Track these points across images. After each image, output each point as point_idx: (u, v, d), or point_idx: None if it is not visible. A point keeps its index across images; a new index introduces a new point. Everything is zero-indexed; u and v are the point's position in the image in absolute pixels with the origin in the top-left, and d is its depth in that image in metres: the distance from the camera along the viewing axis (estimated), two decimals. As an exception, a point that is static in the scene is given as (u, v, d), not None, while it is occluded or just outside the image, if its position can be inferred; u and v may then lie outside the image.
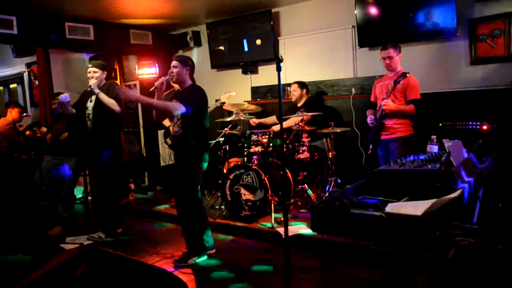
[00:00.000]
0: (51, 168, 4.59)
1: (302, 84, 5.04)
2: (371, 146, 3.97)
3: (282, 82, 2.57)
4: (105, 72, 4.26)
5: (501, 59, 4.17)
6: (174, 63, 3.50)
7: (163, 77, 3.50)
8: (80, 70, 6.32)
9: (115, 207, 4.28)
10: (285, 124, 4.81)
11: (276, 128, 4.78)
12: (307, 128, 4.59)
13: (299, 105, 5.01)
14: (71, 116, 4.30)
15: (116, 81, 4.48)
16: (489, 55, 4.23)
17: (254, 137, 4.65)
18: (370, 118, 4.00)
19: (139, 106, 6.74)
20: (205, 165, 3.57)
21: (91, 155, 4.31)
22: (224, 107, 5.14)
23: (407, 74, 3.67)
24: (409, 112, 3.73)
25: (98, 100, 4.09)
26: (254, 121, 5.24)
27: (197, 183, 3.55)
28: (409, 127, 3.84)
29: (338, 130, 4.48)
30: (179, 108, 3.33)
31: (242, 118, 4.82)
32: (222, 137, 4.97)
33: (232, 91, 5.09)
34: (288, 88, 5.71)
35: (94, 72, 4.16)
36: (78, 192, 5.23)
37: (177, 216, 3.78)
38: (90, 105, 4.17)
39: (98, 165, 4.16)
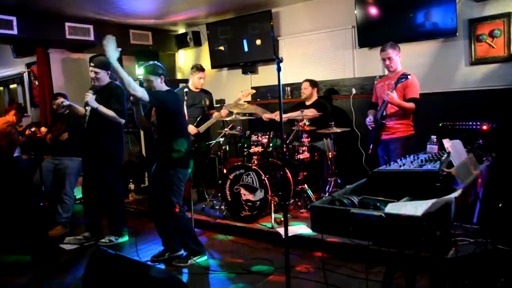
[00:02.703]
0: (51, 168, 4.59)
1: (313, 83, 5.01)
2: (371, 145, 3.98)
3: (282, 82, 2.57)
4: (108, 72, 3.99)
5: (501, 59, 4.18)
6: (146, 77, 3.38)
7: None
8: (80, 70, 6.32)
9: (119, 209, 4.21)
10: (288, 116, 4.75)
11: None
12: (307, 128, 4.59)
13: (307, 103, 4.99)
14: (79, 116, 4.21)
15: (118, 84, 4.18)
16: (489, 55, 4.24)
17: (254, 137, 4.65)
18: (369, 119, 4.00)
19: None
20: (185, 172, 3.48)
21: (86, 160, 4.18)
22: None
23: (409, 76, 3.66)
24: (409, 109, 3.73)
25: (93, 111, 3.89)
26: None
27: (175, 193, 3.43)
28: (409, 127, 3.85)
29: (338, 130, 4.48)
30: (140, 90, 3.16)
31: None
32: (222, 137, 4.97)
33: (248, 89, 5.06)
34: (288, 88, 5.72)
35: (96, 72, 3.91)
36: (78, 193, 5.23)
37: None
38: (88, 109, 4.01)
39: (95, 172, 4.05)
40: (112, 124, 3.97)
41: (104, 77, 3.99)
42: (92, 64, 3.94)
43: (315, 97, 5.01)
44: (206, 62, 6.46)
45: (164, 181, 3.42)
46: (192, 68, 5.06)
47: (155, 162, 3.57)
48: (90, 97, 3.88)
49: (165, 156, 3.43)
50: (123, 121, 3.99)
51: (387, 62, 3.85)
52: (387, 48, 3.83)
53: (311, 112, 4.65)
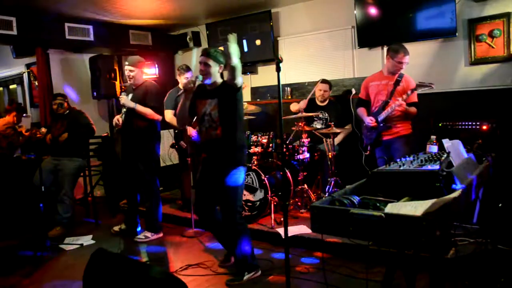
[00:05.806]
0: (51, 169, 4.59)
1: (331, 84, 4.96)
2: (369, 147, 3.98)
3: (282, 82, 2.57)
4: (143, 70, 4.13)
5: (500, 59, 4.18)
6: (205, 59, 3.09)
7: (191, 78, 3.27)
8: (79, 71, 6.32)
9: (157, 206, 4.28)
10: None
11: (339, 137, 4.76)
12: (307, 128, 4.59)
13: (322, 104, 4.97)
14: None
15: (153, 82, 4.29)
16: (489, 55, 4.24)
17: (253, 138, 4.65)
18: (369, 119, 3.98)
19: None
20: (245, 170, 3.21)
21: (124, 158, 4.24)
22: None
23: (404, 74, 3.75)
24: (413, 114, 3.81)
25: (129, 110, 3.99)
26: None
27: (240, 197, 3.18)
28: (408, 125, 3.92)
29: (338, 130, 4.48)
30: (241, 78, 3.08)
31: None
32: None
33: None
34: (287, 88, 5.71)
35: (131, 71, 4.00)
36: (78, 193, 5.22)
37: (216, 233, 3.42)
38: (123, 109, 4.11)
39: (132, 170, 4.15)
40: (148, 121, 4.05)
41: (139, 76, 4.08)
42: (127, 63, 4.07)
43: (328, 98, 5.01)
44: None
45: (229, 186, 3.06)
46: (178, 69, 4.79)
47: (198, 164, 3.40)
48: (125, 99, 3.99)
49: (229, 155, 3.08)
50: (160, 117, 4.08)
51: (403, 66, 3.83)
52: (407, 54, 3.78)
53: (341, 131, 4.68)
